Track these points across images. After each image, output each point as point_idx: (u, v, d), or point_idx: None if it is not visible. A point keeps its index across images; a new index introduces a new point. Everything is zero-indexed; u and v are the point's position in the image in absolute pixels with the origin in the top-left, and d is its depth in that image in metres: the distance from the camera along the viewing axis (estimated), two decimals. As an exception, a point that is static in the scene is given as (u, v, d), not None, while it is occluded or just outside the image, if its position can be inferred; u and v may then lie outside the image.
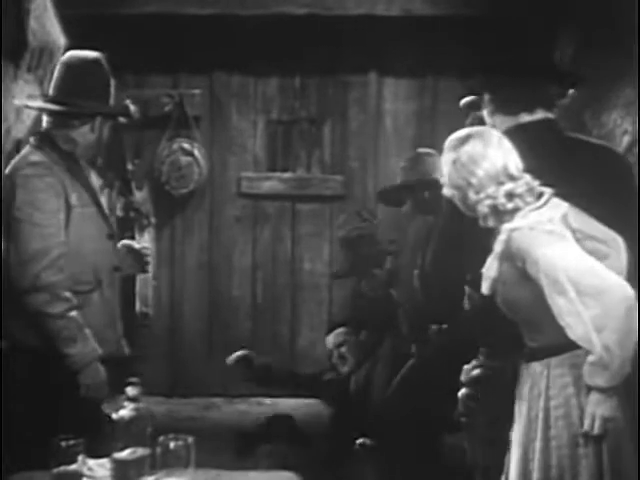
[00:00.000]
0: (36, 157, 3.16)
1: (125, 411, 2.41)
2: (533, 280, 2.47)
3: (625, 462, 2.49)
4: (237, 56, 6.08)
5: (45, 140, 3.22)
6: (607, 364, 2.38)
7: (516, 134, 2.73)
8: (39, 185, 3.09)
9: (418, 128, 6.21)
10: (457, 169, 2.59)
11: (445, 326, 3.80)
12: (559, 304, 2.43)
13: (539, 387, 2.56)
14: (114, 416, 2.41)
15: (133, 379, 2.46)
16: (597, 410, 2.43)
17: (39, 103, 3.39)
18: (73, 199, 3.15)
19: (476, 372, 2.87)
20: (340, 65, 6.14)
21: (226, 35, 5.91)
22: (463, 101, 3.45)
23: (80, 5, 5.22)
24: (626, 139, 4.53)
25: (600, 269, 2.44)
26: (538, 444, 2.53)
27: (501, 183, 2.55)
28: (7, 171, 3.19)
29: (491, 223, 2.58)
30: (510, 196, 2.54)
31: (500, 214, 2.56)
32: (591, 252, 2.52)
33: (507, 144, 2.61)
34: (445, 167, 2.64)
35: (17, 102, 4.01)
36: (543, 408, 2.54)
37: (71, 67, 3.24)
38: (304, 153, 6.29)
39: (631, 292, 2.40)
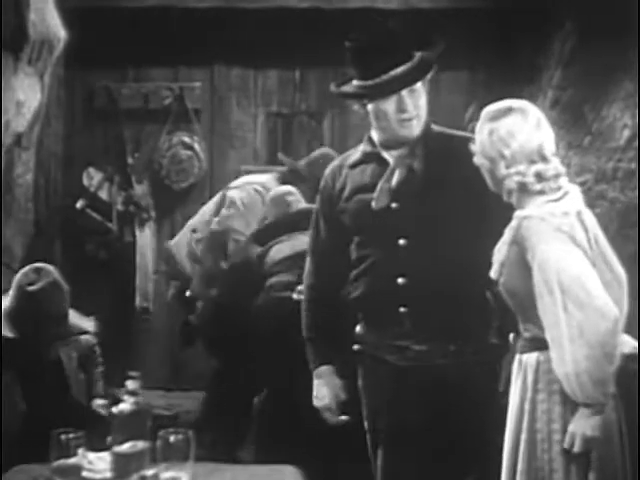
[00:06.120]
0: None
1: (125, 405, 2.42)
2: (530, 270, 2.48)
3: (613, 466, 2.48)
4: (237, 49, 6.06)
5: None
6: (569, 377, 2.39)
7: None
8: None
9: (418, 121, 6.18)
10: (492, 140, 2.57)
11: None
12: (544, 302, 2.44)
13: (529, 379, 2.56)
14: (114, 410, 2.41)
15: (133, 373, 2.45)
16: (578, 429, 2.43)
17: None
18: None
19: None
20: (340, 58, 6.10)
21: (226, 28, 5.89)
22: None
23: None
24: (626, 133, 4.53)
25: (591, 283, 2.43)
26: (524, 435, 2.55)
27: (533, 162, 2.54)
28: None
29: (514, 200, 2.58)
30: (539, 177, 2.53)
31: (525, 193, 2.55)
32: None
33: (545, 124, 2.60)
34: (480, 136, 2.61)
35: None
36: (531, 400, 2.55)
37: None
38: (304, 146, 6.28)
39: (615, 314, 2.40)
